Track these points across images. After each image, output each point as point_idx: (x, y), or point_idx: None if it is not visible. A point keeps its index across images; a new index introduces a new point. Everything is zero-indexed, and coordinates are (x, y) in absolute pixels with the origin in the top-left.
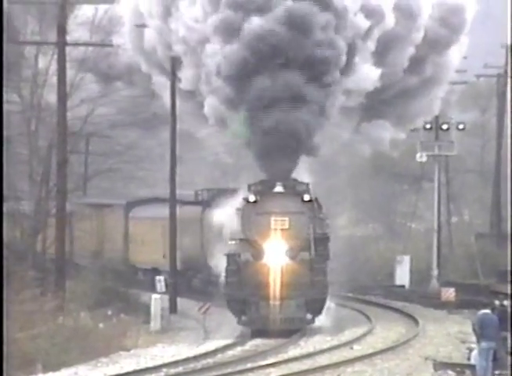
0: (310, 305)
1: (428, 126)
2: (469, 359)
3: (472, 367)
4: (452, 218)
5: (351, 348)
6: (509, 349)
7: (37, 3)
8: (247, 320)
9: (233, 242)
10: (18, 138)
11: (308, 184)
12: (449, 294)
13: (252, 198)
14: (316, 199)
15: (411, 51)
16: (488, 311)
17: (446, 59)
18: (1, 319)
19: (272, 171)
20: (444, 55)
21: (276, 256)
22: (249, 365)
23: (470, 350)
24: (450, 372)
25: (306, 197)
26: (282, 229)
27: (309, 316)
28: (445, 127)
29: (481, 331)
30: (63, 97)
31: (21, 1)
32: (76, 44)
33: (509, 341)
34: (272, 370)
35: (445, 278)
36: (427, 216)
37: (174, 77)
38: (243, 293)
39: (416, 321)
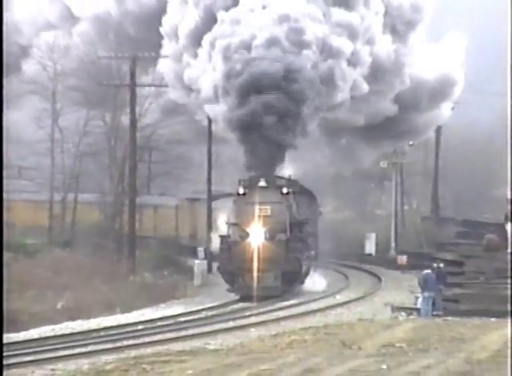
0: (285, 276)
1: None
2: (415, 304)
3: (418, 310)
4: (404, 207)
5: (335, 297)
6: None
7: (112, 86)
8: (236, 288)
9: (228, 224)
10: (102, 151)
11: (289, 178)
12: (403, 259)
13: (241, 191)
14: (311, 192)
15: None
16: (429, 271)
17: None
18: (1, 320)
19: (258, 170)
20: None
21: (258, 237)
22: (261, 309)
23: (417, 298)
24: (403, 313)
25: (284, 190)
26: (264, 216)
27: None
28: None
29: (424, 285)
30: (133, 122)
31: (109, 85)
32: (142, 85)
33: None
34: (279, 313)
35: (399, 248)
36: (388, 205)
37: (209, 121)
38: (232, 267)
39: (379, 278)
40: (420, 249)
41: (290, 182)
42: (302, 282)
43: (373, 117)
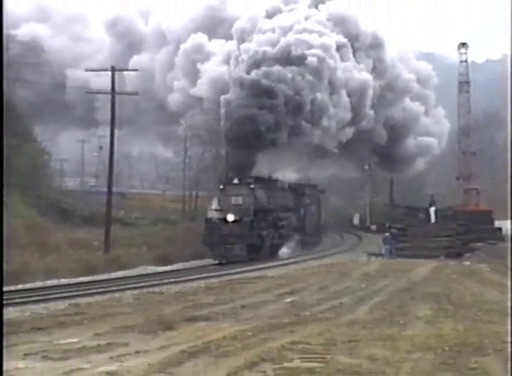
0: (250, 248)
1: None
2: (380, 252)
3: (382, 255)
4: (374, 199)
5: (336, 248)
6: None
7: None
8: (214, 256)
9: (212, 211)
10: (210, 169)
11: (255, 177)
12: (374, 228)
13: (221, 186)
14: (316, 186)
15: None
16: (388, 234)
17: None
18: (1, 320)
19: (234, 171)
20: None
21: (230, 219)
22: (279, 262)
23: (381, 248)
24: (373, 257)
25: (251, 186)
26: (237, 204)
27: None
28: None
29: (385, 241)
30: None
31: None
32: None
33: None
34: (305, 257)
35: (372, 221)
36: (366, 198)
37: None
38: (211, 240)
39: (360, 238)
40: (383, 222)
41: (272, 181)
42: (320, 240)
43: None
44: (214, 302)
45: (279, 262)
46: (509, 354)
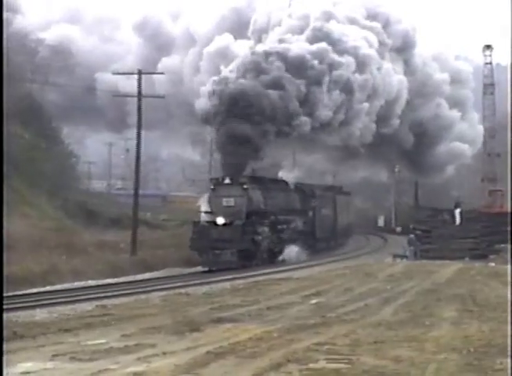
0: (241, 253)
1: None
2: (405, 253)
3: (406, 257)
4: (400, 200)
5: (361, 249)
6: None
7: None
8: (202, 262)
9: (201, 213)
10: None
11: (248, 177)
12: (399, 229)
13: (212, 187)
14: (336, 188)
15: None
16: (412, 235)
17: None
18: (1, 321)
19: (226, 171)
20: None
21: (220, 222)
22: (303, 264)
23: (406, 250)
24: (398, 258)
25: (245, 186)
26: (228, 206)
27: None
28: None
29: (410, 243)
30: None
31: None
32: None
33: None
34: (329, 259)
35: (397, 223)
36: (391, 200)
37: None
38: (200, 245)
39: (385, 239)
40: (408, 223)
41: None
42: (347, 240)
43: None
44: (240, 303)
45: (305, 264)
46: (509, 353)
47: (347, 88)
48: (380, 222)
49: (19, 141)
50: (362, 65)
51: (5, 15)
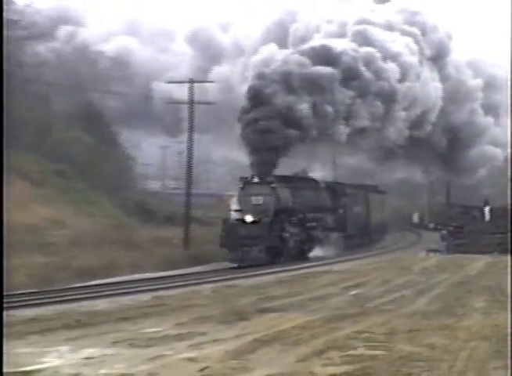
0: (268, 250)
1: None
2: (438, 248)
3: (439, 251)
4: (433, 199)
5: (397, 244)
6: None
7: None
8: (231, 259)
9: (231, 211)
10: None
11: (276, 176)
12: (432, 225)
13: (241, 185)
14: (376, 186)
15: None
16: (445, 231)
17: None
18: (1, 322)
19: (256, 170)
20: None
21: (249, 219)
22: (341, 259)
23: (439, 245)
24: (432, 253)
25: (273, 185)
26: (257, 204)
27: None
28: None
29: (442, 238)
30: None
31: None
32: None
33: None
34: (367, 254)
35: (431, 220)
36: (424, 198)
37: None
38: (229, 242)
39: (420, 235)
40: (440, 220)
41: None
42: (384, 236)
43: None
44: (284, 295)
45: (344, 258)
46: (509, 353)
47: (389, 99)
48: (415, 218)
49: (81, 145)
50: (404, 73)
51: (69, 28)
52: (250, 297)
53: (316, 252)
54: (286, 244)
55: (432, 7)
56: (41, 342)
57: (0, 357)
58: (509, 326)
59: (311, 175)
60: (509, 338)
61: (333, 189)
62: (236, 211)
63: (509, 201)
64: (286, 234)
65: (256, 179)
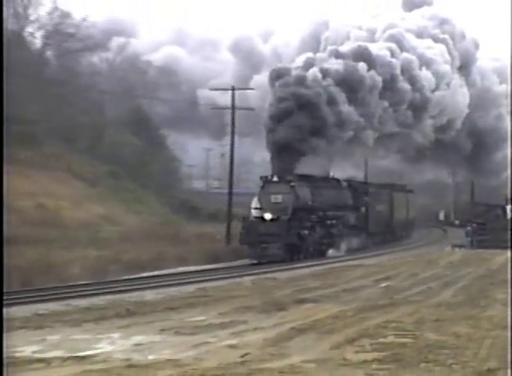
0: (287, 247)
1: None
2: (463, 243)
3: (464, 246)
4: (458, 197)
5: (422, 240)
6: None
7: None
8: (250, 255)
9: (252, 209)
10: None
11: (296, 175)
12: (457, 222)
13: (261, 184)
14: (403, 185)
15: None
16: (469, 227)
17: None
18: (1, 322)
19: (275, 169)
20: None
21: (268, 217)
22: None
23: (464, 240)
24: (457, 248)
25: (292, 184)
26: (276, 203)
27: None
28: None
29: (467, 234)
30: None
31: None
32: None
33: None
34: (396, 249)
35: (456, 217)
36: (450, 196)
37: None
38: (248, 239)
39: (445, 231)
40: (465, 217)
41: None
42: (411, 232)
43: None
44: (319, 287)
45: (374, 253)
46: (509, 352)
47: (421, 109)
48: (441, 216)
49: (131, 148)
50: (438, 82)
51: (121, 40)
52: (287, 288)
53: (336, 249)
54: (305, 241)
55: (459, 13)
56: (95, 329)
57: (0, 352)
58: (509, 326)
59: (332, 175)
60: (509, 336)
61: (355, 188)
62: (255, 209)
63: (509, 197)
64: (305, 232)
65: (275, 178)
